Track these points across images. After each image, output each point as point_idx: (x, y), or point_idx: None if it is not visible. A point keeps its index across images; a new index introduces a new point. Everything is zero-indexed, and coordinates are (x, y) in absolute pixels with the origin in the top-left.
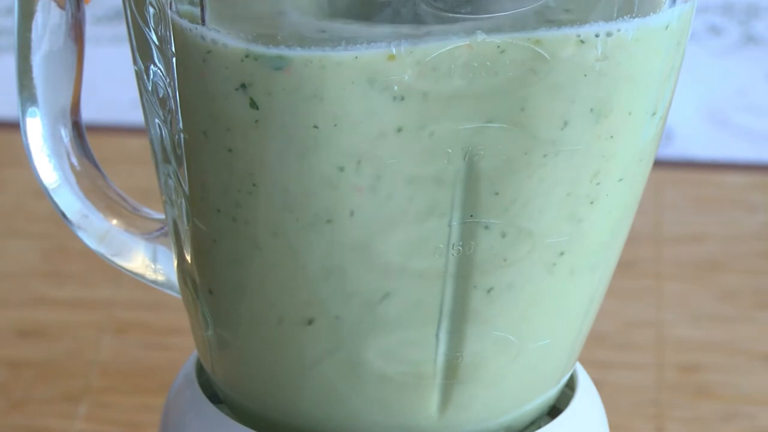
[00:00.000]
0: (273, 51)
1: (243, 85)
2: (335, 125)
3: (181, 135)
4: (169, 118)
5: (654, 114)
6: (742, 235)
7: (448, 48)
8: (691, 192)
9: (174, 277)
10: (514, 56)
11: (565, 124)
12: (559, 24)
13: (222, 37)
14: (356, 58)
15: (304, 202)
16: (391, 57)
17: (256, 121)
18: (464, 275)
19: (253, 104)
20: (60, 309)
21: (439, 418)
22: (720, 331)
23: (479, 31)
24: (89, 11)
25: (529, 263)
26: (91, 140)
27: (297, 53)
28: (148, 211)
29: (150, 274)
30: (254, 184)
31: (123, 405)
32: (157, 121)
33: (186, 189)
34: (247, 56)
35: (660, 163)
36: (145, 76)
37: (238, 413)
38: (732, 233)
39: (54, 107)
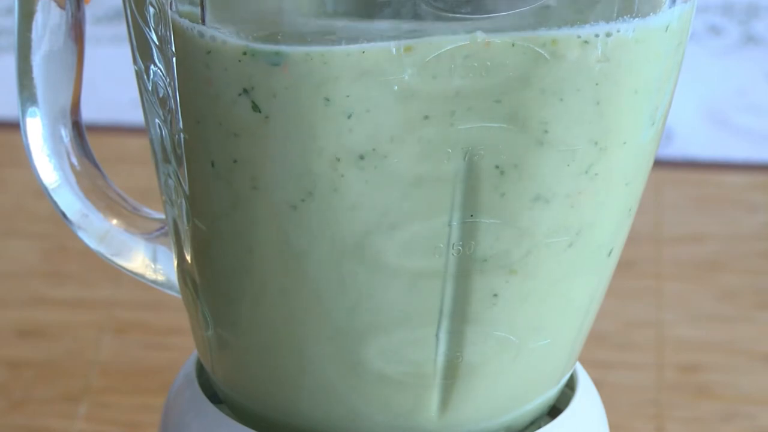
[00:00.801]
0: (270, 47)
1: (245, 89)
2: (335, 125)
3: (181, 135)
4: (169, 118)
5: (654, 114)
6: (742, 235)
7: (448, 48)
8: (691, 192)
9: (174, 277)
10: (514, 56)
11: (566, 123)
12: (559, 24)
13: (221, 36)
14: (356, 58)
15: (305, 202)
16: (391, 56)
17: (258, 122)
18: (464, 275)
19: (255, 107)
20: (60, 309)
21: (439, 418)
22: (720, 331)
23: (479, 31)
24: (89, 11)
25: (530, 263)
26: (91, 140)
27: (295, 50)
28: (148, 211)
29: (150, 274)
30: (255, 184)
31: (123, 405)
32: (157, 121)
33: (186, 189)
34: (244, 54)
35: (660, 163)
36: (145, 76)
37: (238, 413)
38: (732, 233)
39: (54, 107)
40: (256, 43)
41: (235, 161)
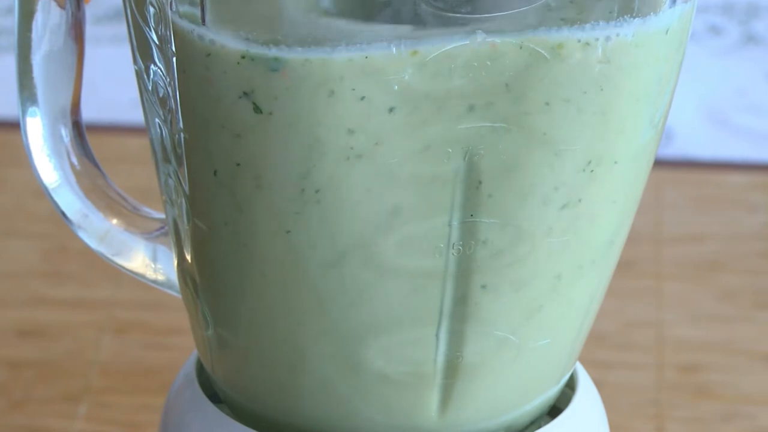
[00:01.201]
0: (268, 52)
1: (245, 92)
2: (336, 125)
3: (181, 134)
4: (169, 118)
5: (654, 114)
6: (742, 235)
7: (448, 48)
8: (691, 192)
9: (174, 277)
10: (514, 56)
11: (566, 123)
12: (560, 24)
13: (221, 38)
14: (356, 57)
15: (306, 201)
16: (392, 57)
17: (260, 121)
18: (464, 275)
19: (257, 108)
20: (60, 309)
21: (439, 418)
22: (720, 331)
23: (479, 31)
24: (89, 11)
25: (530, 263)
26: (91, 140)
27: (295, 54)
28: (148, 210)
29: (150, 274)
30: (256, 183)
31: (123, 405)
32: (157, 120)
33: (186, 188)
34: (243, 57)
35: (660, 163)
36: (145, 76)
37: (238, 413)
38: (732, 233)
39: (54, 107)
40: (255, 47)
41: (237, 163)
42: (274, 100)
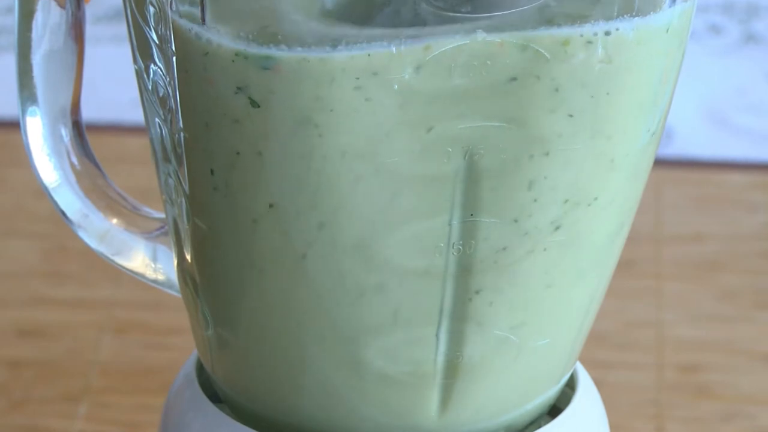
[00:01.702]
0: (261, 51)
1: (239, 87)
2: (335, 124)
3: (182, 134)
4: (169, 117)
5: (654, 115)
6: (742, 235)
7: (448, 47)
8: (691, 192)
9: (174, 277)
10: (514, 55)
11: (566, 123)
12: (560, 23)
13: (218, 38)
14: (356, 57)
15: (305, 201)
16: (391, 56)
17: (257, 121)
18: (464, 274)
19: (254, 103)
20: (60, 309)
21: (439, 417)
22: (720, 331)
23: (480, 31)
24: (89, 11)
25: (530, 263)
26: (91, 140)
27: (293, 54)
28: (148, 210)
29: (150, 274)
30: (255, 183)
31: (123, 405)
32: (157, 120)
33: (186, 188)
34: (237, 55)
35: (660, 163)
36: (145, 75)
37: (238, 413)
38: (732, 233)
39: (54, 106)
40: (250, 46)
41: (237, 154)
42: (271, 94)
